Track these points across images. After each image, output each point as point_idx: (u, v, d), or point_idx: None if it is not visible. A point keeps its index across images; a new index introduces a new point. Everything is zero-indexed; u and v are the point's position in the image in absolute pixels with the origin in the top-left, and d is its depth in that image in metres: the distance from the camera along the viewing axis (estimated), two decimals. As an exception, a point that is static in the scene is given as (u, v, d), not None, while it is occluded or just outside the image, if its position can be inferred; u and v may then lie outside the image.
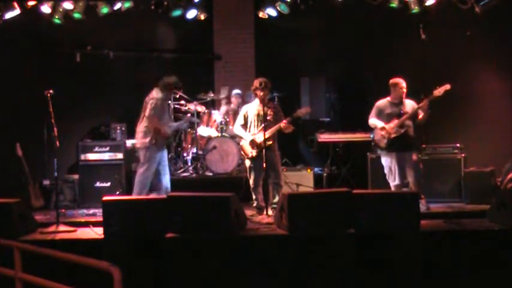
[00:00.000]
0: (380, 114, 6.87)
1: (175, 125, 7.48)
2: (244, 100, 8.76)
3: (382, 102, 6.92)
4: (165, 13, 8.69)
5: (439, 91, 6.54)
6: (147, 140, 6.82)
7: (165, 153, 7.10)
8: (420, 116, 6.70)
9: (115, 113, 9.04)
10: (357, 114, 8.71)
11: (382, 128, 6.78)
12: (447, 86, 6.55)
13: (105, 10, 8.37)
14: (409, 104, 6.81)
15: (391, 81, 6.84)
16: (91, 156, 7.93)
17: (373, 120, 6.90)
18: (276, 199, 6.64)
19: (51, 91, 6.18)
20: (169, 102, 8.07)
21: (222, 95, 9.25)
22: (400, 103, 6.81)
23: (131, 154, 8.12)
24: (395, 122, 6.74)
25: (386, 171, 6.88)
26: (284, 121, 6.67)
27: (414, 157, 6.80)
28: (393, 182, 6.80)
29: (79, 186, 7.93)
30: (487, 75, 8.55)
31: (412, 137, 6.82)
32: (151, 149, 6.83)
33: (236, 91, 9.08)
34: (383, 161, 6.93)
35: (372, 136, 7.07)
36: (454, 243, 5.40)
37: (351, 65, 9.15)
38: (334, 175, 8.43)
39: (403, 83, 6.77)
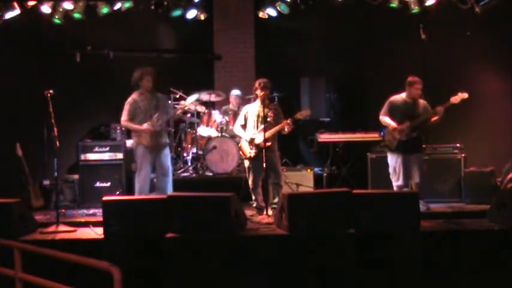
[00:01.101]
0: (393, 112, 6.79)
1: (166, 117, 7.19)
2: (243, 100, 8.75)
3: (396, 99, 6.83)
4: (165, 13, 8.69)
5: (455, 98, 6.48)
6: (133, 140, 6.95)
7: (163, 153, 6.93)
8: (433, 119, 6.64)
9: (115, 113, 8.97)
10: (357, 114, 8.74)
11: (394, 129, 6.72)
12: (465, 95, 6.48)
13: (105, 10, 8.38)
14: (423, 105, 6.75)
15: (408, 79, 6.74)
16: (91, 156, 7.93)
17: (386, 119, 6.82)
18: (276, 199, 6.63)
19: (51, 91, 6.17)
20: (159, 95, 7.09)
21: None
22: (414, 103, 6.75)
23: (131, 154, 8.10)
24: (407, 124, 6.67)
25: (390, 170, 6.84)
26: (287, 120, 6.62)
27: (420, 158, 6.79)
28: (396, 182, 6.77)
29: (79, 186, 7.92)
30: (487, 75, 8.53)
31: (420, 139, 6.80)
32: (138, 149, 6.87)
33: (235, 92, 9.06)
34: (389, 160, 6.87)
35: (382, 134, 6.98)
36: (454, 243, 5.40)
37: (351, 65, 9.13)
38: (334, 175, 8.42)
39: (418, 84, 6.67)
